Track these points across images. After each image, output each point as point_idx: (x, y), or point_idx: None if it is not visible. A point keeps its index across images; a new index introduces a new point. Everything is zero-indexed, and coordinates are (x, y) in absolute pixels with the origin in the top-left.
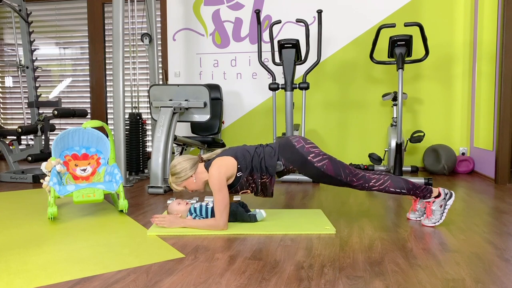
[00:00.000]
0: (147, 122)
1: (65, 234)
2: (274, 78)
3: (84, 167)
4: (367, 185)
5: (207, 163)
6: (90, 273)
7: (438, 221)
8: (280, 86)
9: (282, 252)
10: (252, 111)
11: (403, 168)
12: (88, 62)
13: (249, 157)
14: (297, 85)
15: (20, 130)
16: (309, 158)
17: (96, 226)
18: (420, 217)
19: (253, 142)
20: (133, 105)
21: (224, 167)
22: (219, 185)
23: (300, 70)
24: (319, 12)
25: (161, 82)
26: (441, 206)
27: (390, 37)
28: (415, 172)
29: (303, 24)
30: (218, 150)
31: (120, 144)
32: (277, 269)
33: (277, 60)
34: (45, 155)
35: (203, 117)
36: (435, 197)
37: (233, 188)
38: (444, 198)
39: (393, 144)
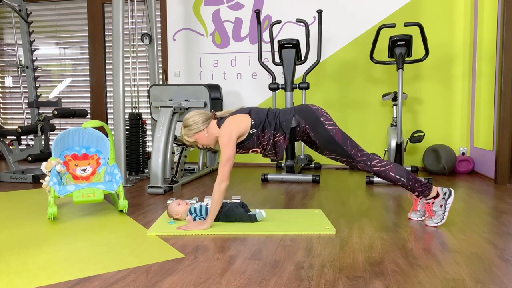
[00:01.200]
0: (147, 122)
1: (65, 234)
2: (274, 78)
3: (84, 167)
4: (369, 163)
5: (220, 121)
6: (90, 273)
7: (441, 221)
8: (280, 86)
9: (282, 252)
10: None
11: None
12: (88, 62)
13: (263, 114)
14: (297, 85)
15: (20, 130)
16: (321, 119)
17: (96, 226)
18: (421, 217)
19: None
20: (133, 105)
21: (236, 126)
22: (228, 139)
23: (300, 70)
24: (319, 12)
25: (161, 82)
26: (441, 206)
27: (390, 37)
28: (415, 172)
29: (303, 24)
30: (232, 108)
31: (120, 144)
32: (277, 269)
33: (277, 60)
34: (45, 155)
35: None
36: (434, 198)
37: (244, 144)
38: (444, 198)
39: (393, 144)
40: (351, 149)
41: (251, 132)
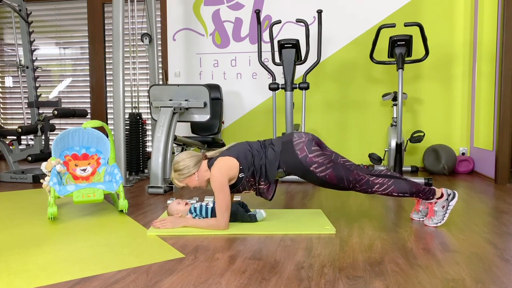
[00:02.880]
0: (147, 122)
1: (65, 234)
2: (274, 78)
3: (84, 167)
4: (370, 190)
5: (211, 162)
6: (90, 273)
7: (440, 222)
8: (280, 86)
9: (282, 252)
10: (252, 111)
11: (403, 168)
12: (88, 62)
13: (251, 158)
14: (297, 85)
15: (20, 130)
16: (311, 168)
17: (96, 226)
18: (423, 218)
19: None
20: (133, 105)
21: (226, 167)
22: (221, 186)
23: (300, 70)
24: (319, 12)
25: (161, 82)
26: (443, 207)
27: (390, 37)
28: (415, 172)
29: (303, 24)
30: (223, 149)
31: (120, 144)
32: (277, 269)
33: (277, 60)
34: (45, 155)
35: (203, 117)
36: (438, 198)
37: (235, 188)
38: (447, 199)
39: (393, 144)
40: (349, 184)
41: (240, 176)
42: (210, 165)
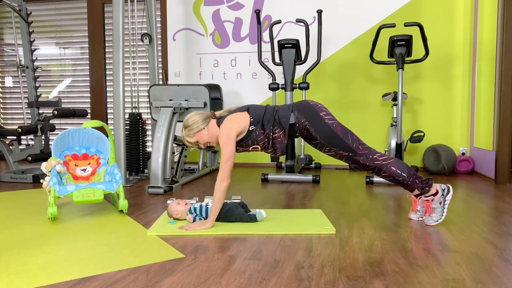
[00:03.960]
0: (147, 122)
1: (65, 234)
2: (274, 78)
3: (84, 167)
4: (371, 156)
5: (220, 120)
6: (90, 273)
7: (440, 218)
8: (280, 86)
9: (282, 252)
10: None
11: None
12: (88, 62)
13: (262, 110)
14: (297, 85)
15: (20, 130)
16: (320, 114)
17: (96, 226)
18: (421, 217)
19: None
20: (133, 105)
21: (235, 124)
22: (227, 139)
23: (300, 70)
24: (319, 12)
25: (161, 82)
26: (440, 203)
27: (390, 37)
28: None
29: (303, 24)
30: (232, 107)
31: (120, 144)
32: (277, 269)
33: (277, 60)
34: (45, 155)
35: None
36: (433, 195)
37: (244, 142)
38: (442, 195)
39: (393, 144)
40: (353, 143)
41: (250, 129)
42: (219, 123)
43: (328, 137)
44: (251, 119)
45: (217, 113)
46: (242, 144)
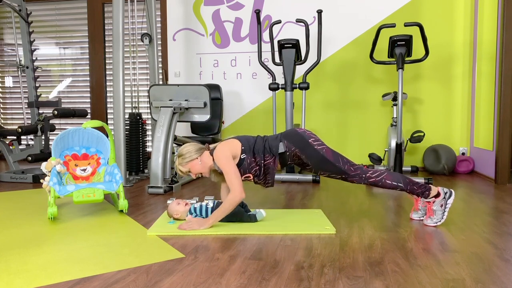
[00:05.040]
0: (147, 122)
1: (65, 234)
2: (274, 78)
3: (84, 167)
4: (364, 175)
5: (212, 151)
6: (90, 273)
7: (440, 221)
8: (280, 86)
9: (282, 252)
10: (252, 111)
11: (403, 168)
12: (88, 62)
13: (252, 140)
14: (297, 85)
15: (20, 130)
16: (309, 141)
17: (96, 226)
18: (423, 217)
19: None
20: (133, 105)
21: (228, 146)
22: (226, 160)
23: (300, 70)
24: (319, 12)
25: (161, 82)
26: (441, 206)
27: (390, 37)
28: (415, 172)
29: (303, 24)
30: (222, 139)
31: (120, 144)
32: (277, 269)
33: (277, 60)
34: (45, 155)
35: (203, 117)
36: (435, 197)
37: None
38: (444, 198)
39: (393, 144)
40: (344, 165)
41: (241, 157)
42: (212, 154)
43: (319, 163)
44: (242, 148)
45: (211, 146)
46: None
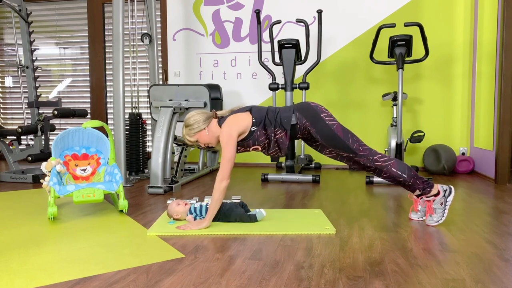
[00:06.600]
0: (147, 122)
1: (65, 234)
2: (274, 78)
3: (84, 167)
4: (371, 157)
5: (221, 120)
6: (90, 273)
7: (441, 219)
8: (280, 86)
9: (282, 252)
10: None
11: None
12: (88, 62)
13: (264, 111)
14: (297, 85)
15: (20, 130)
16: (321, 115)
17: (96, 226)
18: (422, 218)
19: None
20: (133, 105)
21: (237, 125)
22: (228, 139)
23: (300, 70)
24: (319, 12)
25: (161, 82)
26: (441, 204)
27: (390, 37)
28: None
29: (303, 24)
30: (234, 107)
31: (120, 144)
32: (277, 269)
33: (277, 60)
34: (45, 155)
35: None
36: (435, 195)
37: (245, 142)
38: (444, 195)
39: (393, 144)
40: (353, 143)
41: (252, 129)
42: (220, 123)
43: (328, 138)
44: (254, 120)
45: (219, 112)
46: (243, 144)
